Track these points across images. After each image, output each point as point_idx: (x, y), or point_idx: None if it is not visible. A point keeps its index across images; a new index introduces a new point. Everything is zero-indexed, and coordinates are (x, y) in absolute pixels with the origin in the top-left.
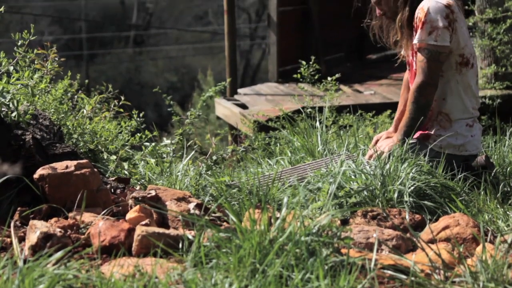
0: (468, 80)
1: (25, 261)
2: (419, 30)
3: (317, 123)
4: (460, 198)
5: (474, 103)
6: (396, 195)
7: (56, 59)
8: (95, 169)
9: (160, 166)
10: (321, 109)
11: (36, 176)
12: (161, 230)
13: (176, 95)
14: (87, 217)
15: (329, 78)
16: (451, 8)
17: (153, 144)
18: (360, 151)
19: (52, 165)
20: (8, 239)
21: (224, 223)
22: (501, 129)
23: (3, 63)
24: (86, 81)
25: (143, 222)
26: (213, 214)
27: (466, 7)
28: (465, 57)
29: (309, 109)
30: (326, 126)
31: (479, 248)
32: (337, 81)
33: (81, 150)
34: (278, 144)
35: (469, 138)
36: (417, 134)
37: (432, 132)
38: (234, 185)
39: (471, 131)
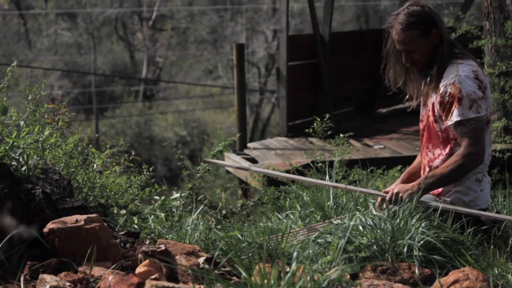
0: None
1: None
2: (458, 107)
3: (327, 178)
4: (470, 252)
5: (487, 158)
6: (405, 249)
7: (66, 113)
8: (105, 223)
9: (170, 220)
10: (331, 164)
11: (46, 230)
12: (170, 284)
13: (186, 149)
14: (96, 271)
15: (341, 135)
16: (479, 78)
17: (162, 198)
18: (370, 205)
19: (62, 219)
20: None
21: (234, 278)
22: (511, 183)
23: (14, 118)
24: (97, 135)
25: (153, 276)
26: (223, 269)
27: (478, 59)
28: (486, 116)
29: (319, 164)
30: (336, 181)
31: None
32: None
33: (91, 204)
34: (288, 199)
35: (479, 193)
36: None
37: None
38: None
39: (480, 186)
